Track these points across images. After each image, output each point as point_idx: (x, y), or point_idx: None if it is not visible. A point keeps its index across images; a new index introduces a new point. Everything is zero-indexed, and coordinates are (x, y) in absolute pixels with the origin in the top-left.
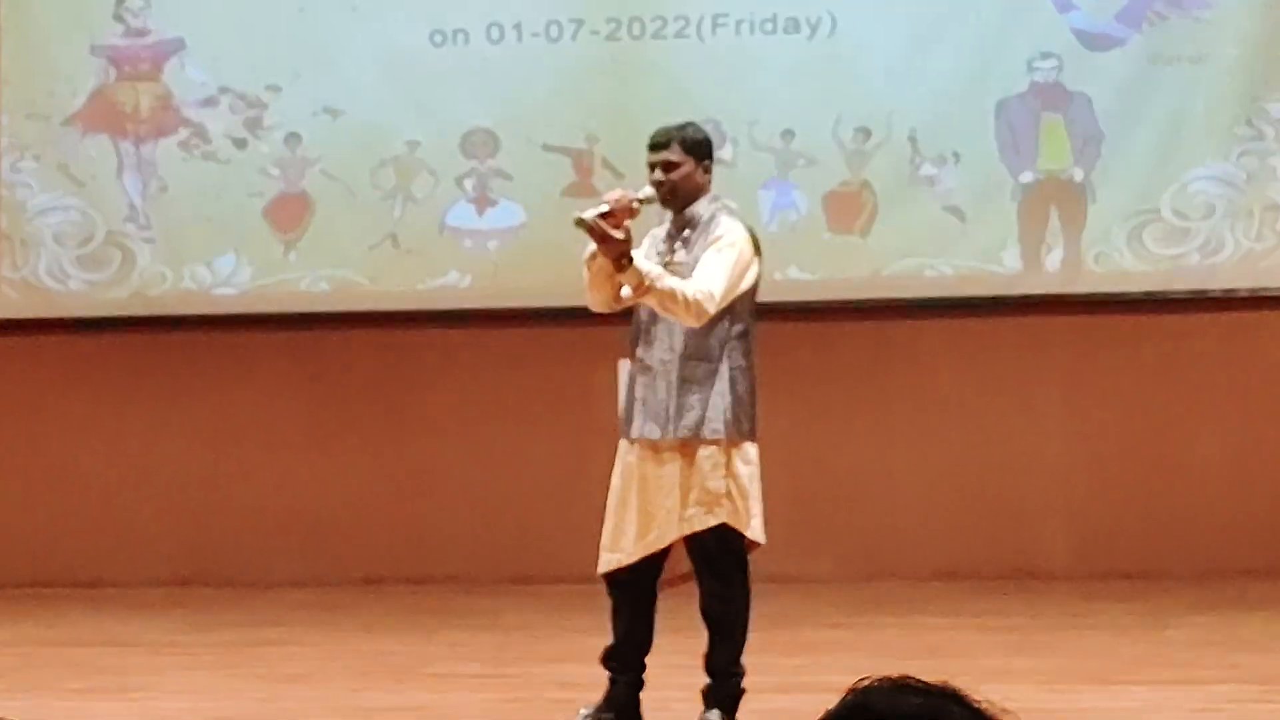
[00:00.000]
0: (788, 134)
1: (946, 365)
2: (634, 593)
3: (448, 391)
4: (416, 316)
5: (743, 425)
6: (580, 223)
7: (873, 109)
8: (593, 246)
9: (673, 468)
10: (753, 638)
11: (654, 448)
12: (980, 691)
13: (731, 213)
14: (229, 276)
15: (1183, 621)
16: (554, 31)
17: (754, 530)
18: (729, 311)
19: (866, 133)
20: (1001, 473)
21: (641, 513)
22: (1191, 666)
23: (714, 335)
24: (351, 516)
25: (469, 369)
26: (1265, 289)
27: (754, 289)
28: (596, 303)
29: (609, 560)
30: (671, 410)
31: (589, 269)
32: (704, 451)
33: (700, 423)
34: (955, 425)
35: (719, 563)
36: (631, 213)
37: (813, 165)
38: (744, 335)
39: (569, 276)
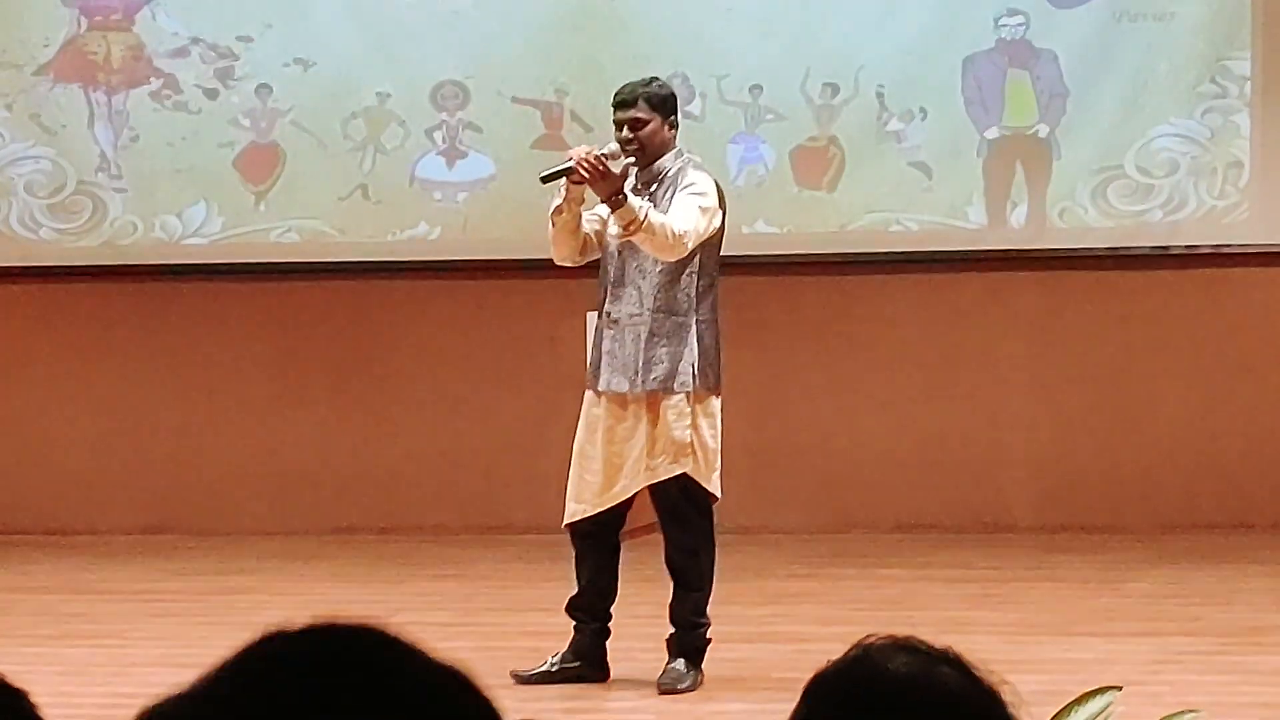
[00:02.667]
0: (756, 89)
1: (911, 319)
2: (598, 543)
3: (417, 342)
4: (386, 268)
5: (709, 379)
6: (550, 176)
7: (841, 65)
8: (558, 200)
9: (639, 420)
10: (717, 588)
11: (621, 401)
12: (942, 640)
13: (698, 166)
14: (199, 227)
15: (1143, 574)
16: None
17: (713, 484)
18: (696, 266)
19: (834, 88)
20: (965, 426)
21: (607, 464)
22: (1151, 619)
23: (681, 289)
24: (320, 466)
25: (438, 320)
26: (1227, 245)
27: (719, 243)
28: (561, 257)
29: (574, 511)
30: (640, 364)
31: (554, 224)
32: (670, 403)
33: (669, 376)
34: (920, 379)
35: (684, 513)
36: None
37: (781, 120)
38: (710, 289)
39: (538, 229)
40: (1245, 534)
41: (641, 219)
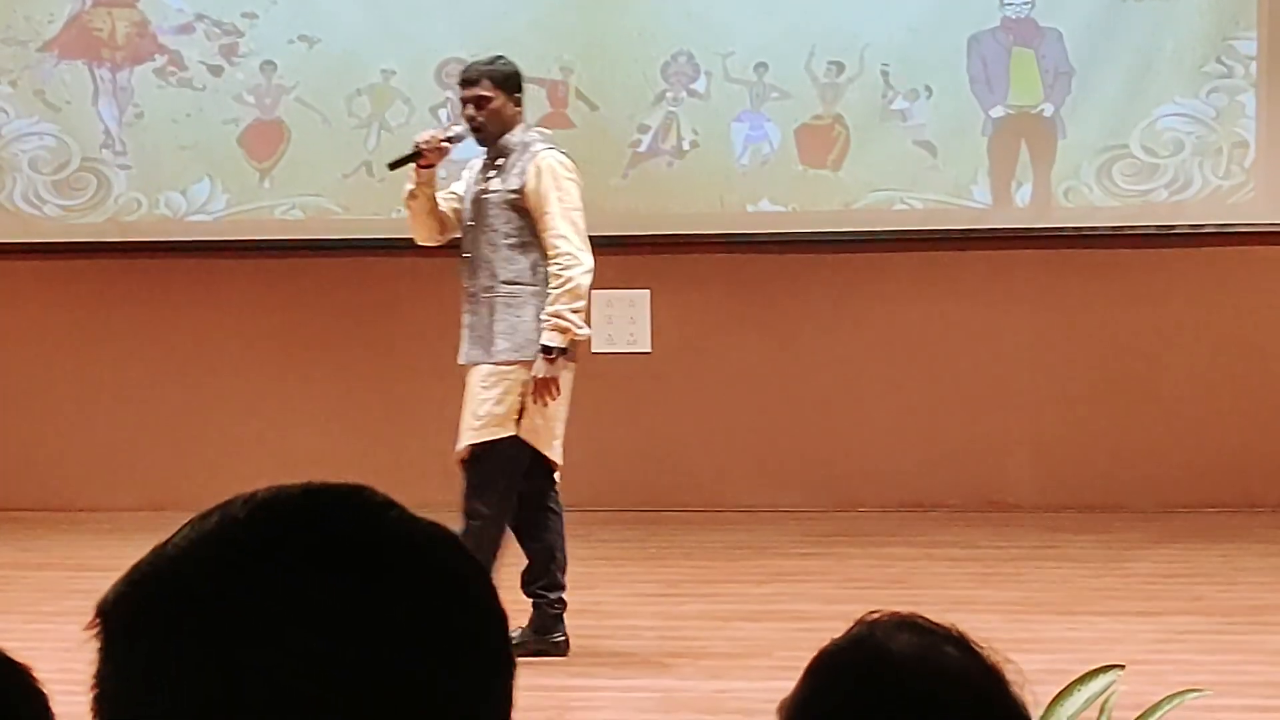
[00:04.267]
0: (761, 67)
1: (916, 298)
2: (517, 514)
3: (420, 319)
4: (390, 245)
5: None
6: (397, 163)
7: (846, 42)
8: (410, 185)
9: (494, 389)
10: (720, 567)
11: (478, 372)
12: (947, 618)
13: (545, 139)
14: (204, 203)
15: (1146, 554)
16: None
17: (554, 451)
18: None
19: (839, 66)
20: (969, 405)
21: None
22: (1154, 598)
23: (530, 261)
24: (325, 442)
25: (441, 296)
26: (1232, 225)
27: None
28: (422, 238)
29: None
30: (493, 335)
31: (409, 209)
32: (517, 373)
33: (520, 346)
34: (924, 357)
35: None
36: (442, 152)
37: (786, 98)
38: None
39: None
40: (1248, 514)
41: (565, 318)
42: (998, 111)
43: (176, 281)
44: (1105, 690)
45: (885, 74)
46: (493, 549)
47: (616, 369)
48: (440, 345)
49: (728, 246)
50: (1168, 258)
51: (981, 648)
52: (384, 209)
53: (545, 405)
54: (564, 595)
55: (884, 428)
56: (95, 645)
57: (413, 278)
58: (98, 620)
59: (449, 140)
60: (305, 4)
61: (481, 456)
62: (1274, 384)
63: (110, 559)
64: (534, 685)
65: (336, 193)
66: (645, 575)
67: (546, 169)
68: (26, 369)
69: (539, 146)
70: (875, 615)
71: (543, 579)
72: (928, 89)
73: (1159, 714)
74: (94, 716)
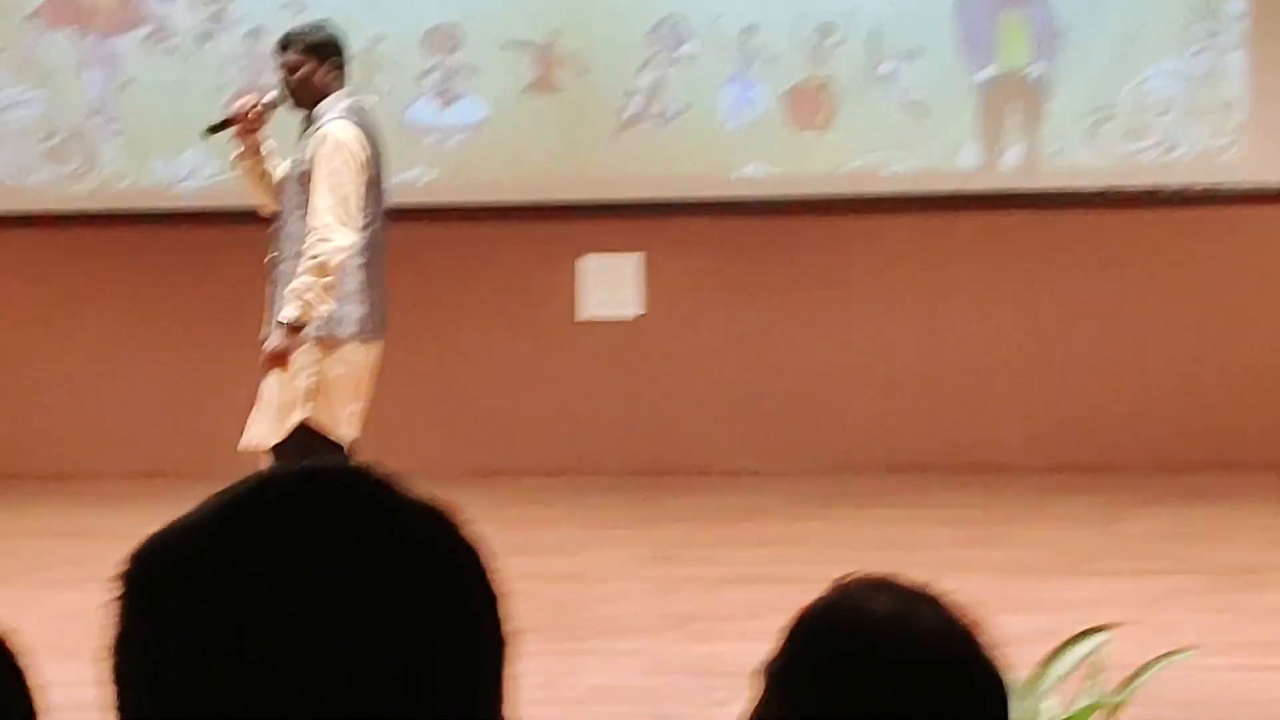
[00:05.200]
0: (749, 30)
1: (905, 261)
2: None
3: (409, 286)
4: None
5: (343, 327)
6: (214, 128)
7: (834, 6)
8: (237, 150)
9: (284, 374)
10: (712, 530)
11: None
12: (938, 580)
13: (349, 112)
14: (193, 172)
15: (1137, 514)
16: None
17: (336, 433)
18: None
19: (828, 30)
20: (959, 367)
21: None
22: (1145, 558)
23: None
24: None
25: (431, 264)
26: (1220, 185)
27: (375, 191)
28: (258, 204)
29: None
30: (275, 310)
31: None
32: (308, 354)
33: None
34: (913, 320)
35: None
36: (258, 119)
37: (774, 62)
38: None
39: (531, 172)
40: (1239, 473)
41: (302, 295)
42: (986, 74)
43: (165, 249)
44: (1096, 650)
45: (874, 37)
46: None
47: (608, 333)
48: (429, 311)
49: (717, 210)
50: (1156, 218)
51: (957, 609)
52: None
53: (280, 375)
54: None
55: (875, 390)
56: (113, 614)
57: (401, 245)
58: (118, 590)
59: (265, 106)
60: None
61: (285, 443)
62: (1263, 344)
63: (104, 525)
64: (522, 650)
65: None
66: (636, 539)
67: (323, 139)
68: (18, 338)
69: (329, 117)
70: (850, 577)
71: None
72: (916, 52)
73: (1150, 674)
74: (111, 683)
